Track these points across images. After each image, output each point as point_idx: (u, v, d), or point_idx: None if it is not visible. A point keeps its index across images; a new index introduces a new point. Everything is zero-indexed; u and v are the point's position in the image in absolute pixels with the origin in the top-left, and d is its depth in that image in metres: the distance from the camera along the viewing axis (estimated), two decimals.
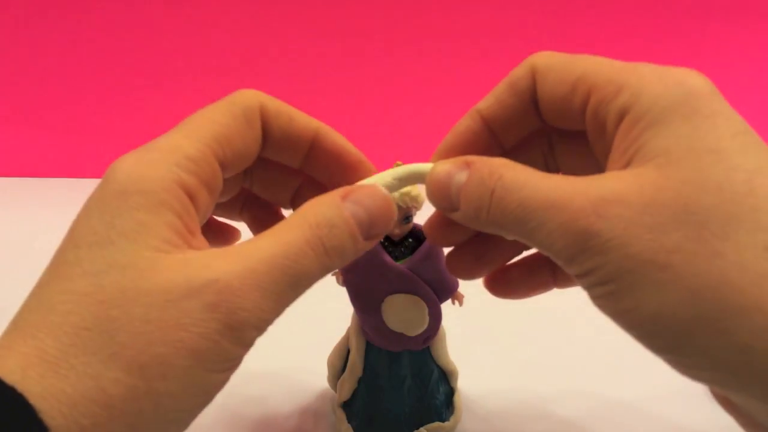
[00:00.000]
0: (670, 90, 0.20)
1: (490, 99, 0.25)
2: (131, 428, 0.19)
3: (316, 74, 0.81)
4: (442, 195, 0.23)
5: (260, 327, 0.20)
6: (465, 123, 0.25)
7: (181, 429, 0.20)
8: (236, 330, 0.20)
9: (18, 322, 0.20)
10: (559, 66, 0.23)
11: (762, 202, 0.18)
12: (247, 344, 0.20)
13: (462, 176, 0.23)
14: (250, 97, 0.24)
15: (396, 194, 0.28)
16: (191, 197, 0.22)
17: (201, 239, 0.22)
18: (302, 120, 0.25)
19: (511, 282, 0.27)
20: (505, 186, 0.21)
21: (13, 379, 0.18)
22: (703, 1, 0.82)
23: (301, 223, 0.22)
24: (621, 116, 0.21)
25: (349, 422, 0.35)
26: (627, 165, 0.20)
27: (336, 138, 0.26)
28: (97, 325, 0.19)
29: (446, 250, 0.28)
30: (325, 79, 0.81)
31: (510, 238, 0.22)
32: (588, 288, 0.20)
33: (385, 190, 0.24)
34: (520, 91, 0.24)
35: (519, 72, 0.24)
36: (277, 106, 0.25)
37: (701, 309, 0.18)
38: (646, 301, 0.19)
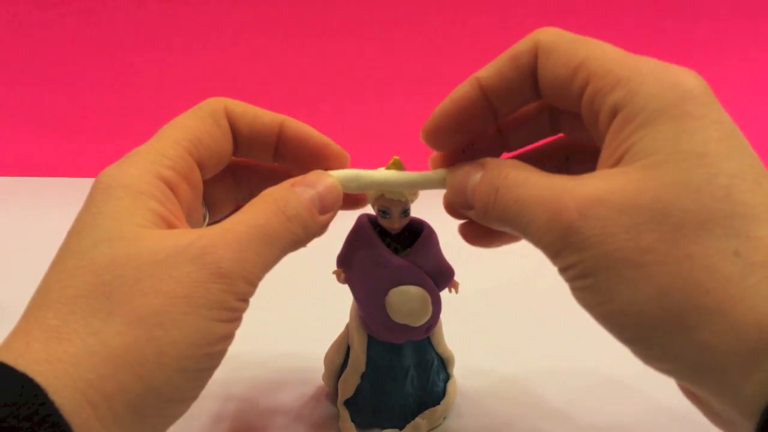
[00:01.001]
0: (664, 91, 0.20)
1: (491, 69, 0.25)
2: (137, 377, 0.19)
3: (315, 74, 0.81)
4: (460, 193, 0.25)
5: (248, 279, 0.22)
6: (463, 89, 0.25)
7: (190, 382, 0.21)
8: (224, 277, 0.21)
9: (23, 314, 0.21)
10: (563, 47, 0.23)
11: (738, 208, 0.19)
12: (240, 295, 0.22)
13: (477, 177, 0.24)
14: (215, 102, 0.27)
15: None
16: (172, 189, 0.24)
17: (184, 225, 0.24)
18: (267, 115, 0.28)
19: (485, 231, 0.28)
20: (508, 185, 0.23)
21: (17, 353, 0.19)
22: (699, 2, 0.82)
23: (262, 202, 0.24)
24: (614, 112, 0.21)
25: (352, 420, 0.35)
26: (616, 163, 0.21)
27: (300, 126, 0.28)
28: (92, 291, 0.20)
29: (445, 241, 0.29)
30: (325, 79, 0.81)
31: (514, 233, 0.23)
32: (569, 281, 0.21)
33: (327, 174, 0.27)
34: (520, 66, 0.24)
35: (522, 46, 0.24)
36: (241, 106, 0.27)
37: (668, 306, 0.19)
38: (619, 296, 0.19)
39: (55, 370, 0.18)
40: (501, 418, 0.37)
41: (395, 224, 0.30)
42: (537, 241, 0.22)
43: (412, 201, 0.30)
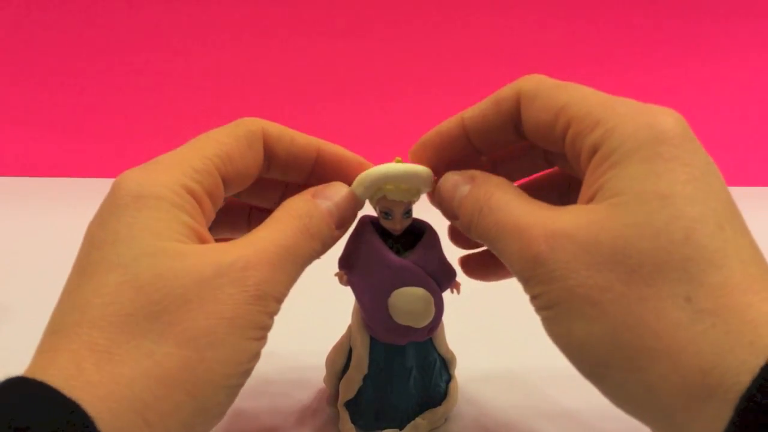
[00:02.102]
0: (638, 132, 0.21)
1: (475, 110, 0.26)
2: (190, 396, 0.20)
3: (316, 74, 0.81)
4: (446, 203, 0.26)
5: (278, 298, 0.23)
6: (448, 125, 0.27)
7: (230, 397, 0.22)
8: (261, 299, 0.22)
9: (55, 327, 0.20)
10: (545, 93, 0.24)
11: (695, 252, 0.19)
12: (272, 313, 0.23)
13: (465, 189, 0.25)
14: (252, 123, 0.27)
15: (395, 190, 0.29)
16: (198, 202, 0.24)
17: (211, 239, 0.24)
18: (303, 139, 0.28)
19: (484, 265, 0.31)
20: (491, 206, 0.24)
21: (67, 374, 0.19)
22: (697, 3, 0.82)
23: (287, 216, 0.25)
24: (593, 152, 0.22)
25: (353, 421, 0.35)
26: (590, 200, 0.22)
27: (337, 150, 0.29)
28: (139, 309, 0.20)
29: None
30: (326, 79, 0.81)
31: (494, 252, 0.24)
32: (536, 309, 0.22)
33: (347, 187, 0.28)
34: (503, 111, 0.25)
35: (505, 93, 0.25)
36: (278, 129, 0.27)
37: (619, 345, 0.19)
38: (576, 330, 0.20)
39: (113, 393, 0.19)
40: (502, 418, 0.37)
41: (397, 225, 0.30)
42: (510, 267, 0.23)
43: (414, 202, 0.30)
